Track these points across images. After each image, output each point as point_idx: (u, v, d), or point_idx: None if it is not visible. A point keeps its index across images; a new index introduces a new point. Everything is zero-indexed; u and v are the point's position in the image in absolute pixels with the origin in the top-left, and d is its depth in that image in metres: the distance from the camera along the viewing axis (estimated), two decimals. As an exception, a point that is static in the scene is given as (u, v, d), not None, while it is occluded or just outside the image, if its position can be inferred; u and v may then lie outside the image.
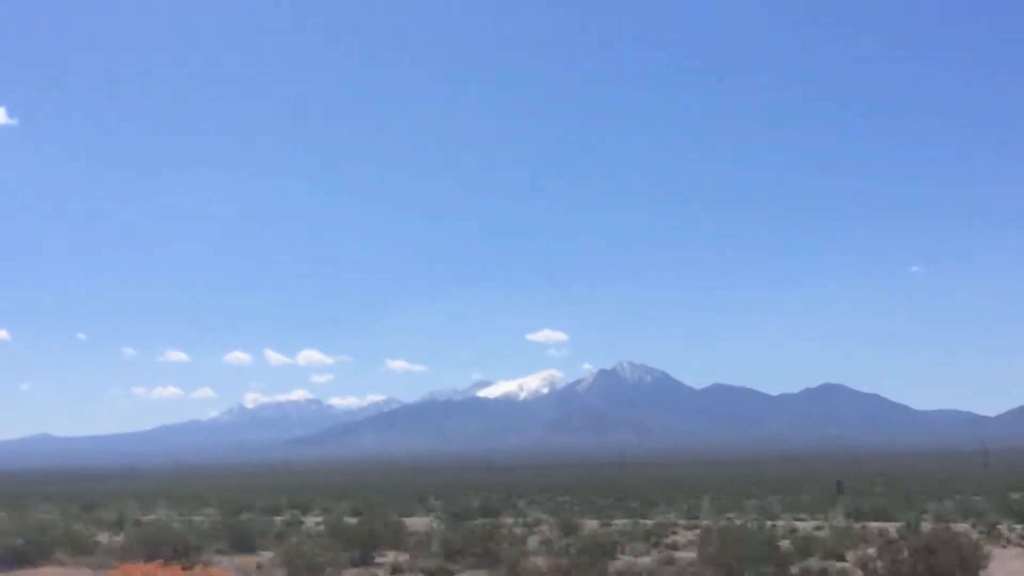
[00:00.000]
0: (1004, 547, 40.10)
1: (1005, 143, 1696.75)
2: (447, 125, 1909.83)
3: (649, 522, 56.64)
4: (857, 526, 47.99)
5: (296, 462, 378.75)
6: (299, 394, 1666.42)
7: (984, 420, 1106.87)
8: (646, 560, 34.98)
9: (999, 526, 50.19)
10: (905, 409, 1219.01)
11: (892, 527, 43.66)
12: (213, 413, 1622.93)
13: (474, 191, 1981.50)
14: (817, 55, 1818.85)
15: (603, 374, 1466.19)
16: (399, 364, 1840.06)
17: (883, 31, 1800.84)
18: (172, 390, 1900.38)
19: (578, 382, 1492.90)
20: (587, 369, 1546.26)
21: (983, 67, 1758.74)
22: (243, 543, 42.47)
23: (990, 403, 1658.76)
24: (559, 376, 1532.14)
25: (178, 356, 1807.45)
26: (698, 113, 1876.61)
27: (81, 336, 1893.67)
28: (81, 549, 39.18)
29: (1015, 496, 69.73)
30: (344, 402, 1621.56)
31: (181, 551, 34.63)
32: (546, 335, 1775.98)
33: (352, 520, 48.52)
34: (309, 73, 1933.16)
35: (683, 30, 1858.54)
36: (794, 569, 30.08)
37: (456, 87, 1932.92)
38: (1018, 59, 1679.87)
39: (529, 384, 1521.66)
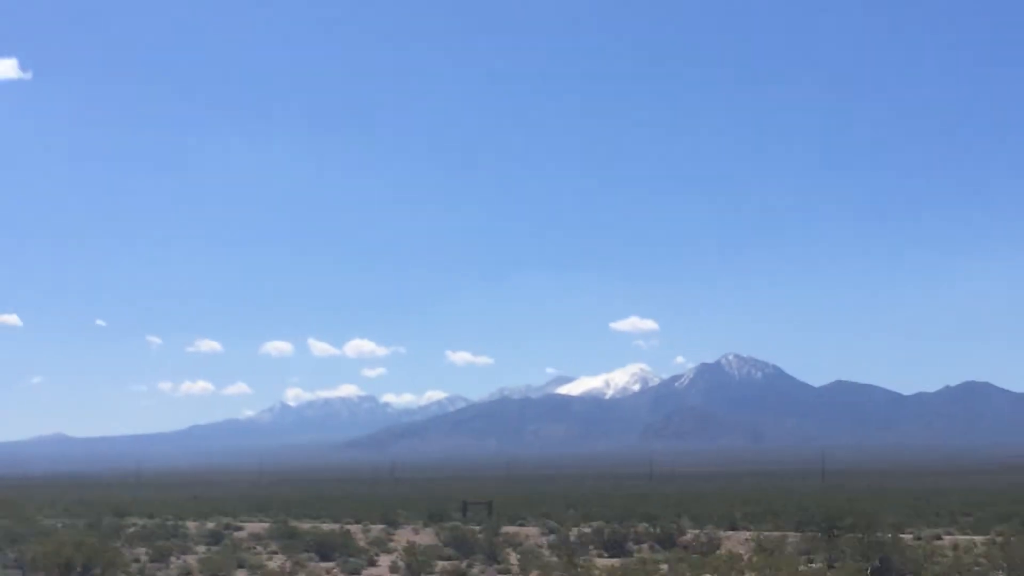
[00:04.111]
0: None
1: None
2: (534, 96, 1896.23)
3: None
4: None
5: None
6: (349, 390, 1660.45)
7: None
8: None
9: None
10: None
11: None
12: (250, 412, 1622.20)
13: (546, 158, 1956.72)
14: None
15: (704, 369, 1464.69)
16: (462, 356, 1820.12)
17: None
18: (203, 385, 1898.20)
19: (675, 378, 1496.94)
20: (682, 363, 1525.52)
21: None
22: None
23: None
24: (650, 371, 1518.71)
25: (210, 346, 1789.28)
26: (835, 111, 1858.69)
27: (100, 323, 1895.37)
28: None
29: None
30: (401, 400, 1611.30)
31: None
32: (633, 323, 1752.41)
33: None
34: (358, 61, 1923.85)
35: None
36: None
37: (527, 70, 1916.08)
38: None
39: (616, 380, 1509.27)
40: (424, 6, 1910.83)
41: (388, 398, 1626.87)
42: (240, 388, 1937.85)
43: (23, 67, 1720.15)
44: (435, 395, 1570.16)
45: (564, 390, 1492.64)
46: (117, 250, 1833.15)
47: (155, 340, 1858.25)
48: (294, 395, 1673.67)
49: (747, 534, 64.77)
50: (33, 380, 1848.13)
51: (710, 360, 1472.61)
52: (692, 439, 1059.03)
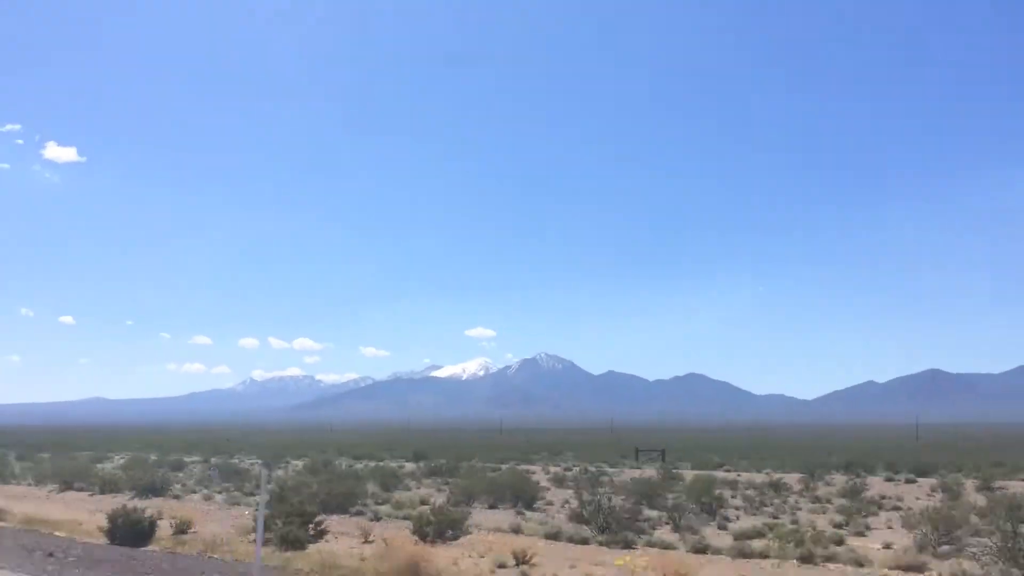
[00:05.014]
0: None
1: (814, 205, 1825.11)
2: (412, 169, 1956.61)
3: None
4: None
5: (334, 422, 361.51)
6: (294, 371, 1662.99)
7: (803, 403, 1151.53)
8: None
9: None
10: (747, 394, 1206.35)
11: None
12: (229, 384, 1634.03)
13: (423, 220, 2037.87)
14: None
15: (526, 362, 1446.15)
16: (370, 350, 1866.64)
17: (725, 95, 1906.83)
18: (198, 366, 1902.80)
19: (507, 367, 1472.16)
20: (511, 358, 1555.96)
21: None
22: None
23: (808, 389, 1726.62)
24: (490, 362, 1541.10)
25: (203, 340, 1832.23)
26: (596, 161, 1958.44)
27: (129, 322, 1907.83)
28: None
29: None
30: (328, 378, 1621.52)
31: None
32: (479, 331, 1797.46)
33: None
34: (313, 121, 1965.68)
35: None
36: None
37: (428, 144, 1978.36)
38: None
39: (469, 368, 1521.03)
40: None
41: (321, 376, 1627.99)
42: (223, 369, 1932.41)
43: (80, 153, 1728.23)
44: (352, 375, 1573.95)
45: (435, 374, 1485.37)
46: (143, 275, 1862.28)
47: (165, 335, 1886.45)
48: (259, 374, 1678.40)
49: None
50: (81, 360, 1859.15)
51: (529, 356, 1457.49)
52: (517, 409, 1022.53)
